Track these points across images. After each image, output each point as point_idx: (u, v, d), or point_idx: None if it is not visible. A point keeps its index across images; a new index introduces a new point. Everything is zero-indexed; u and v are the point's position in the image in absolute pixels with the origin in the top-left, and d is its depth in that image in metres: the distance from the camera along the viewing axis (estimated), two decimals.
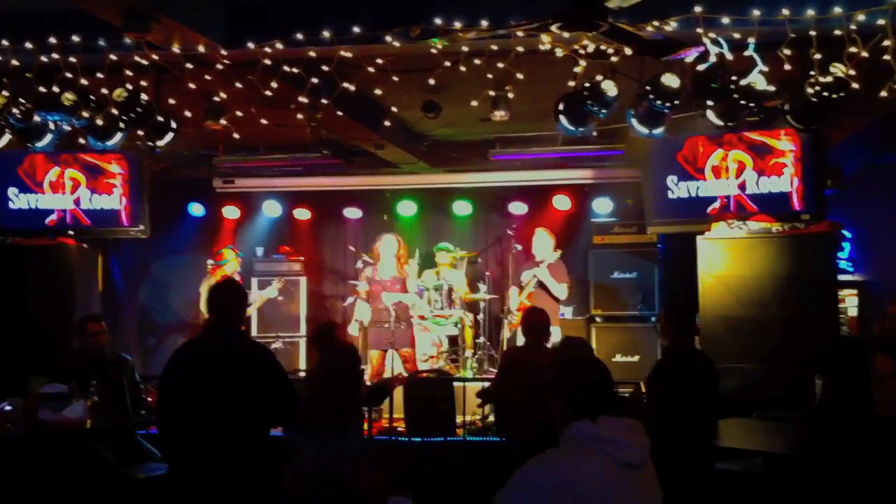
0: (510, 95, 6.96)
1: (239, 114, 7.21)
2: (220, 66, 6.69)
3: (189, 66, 6.68)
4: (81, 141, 7.80)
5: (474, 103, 6.90)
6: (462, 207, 12.05)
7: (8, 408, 5.89)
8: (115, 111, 6.99)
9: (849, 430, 3.94)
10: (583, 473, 2.88)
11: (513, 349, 7.78)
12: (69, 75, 6.75)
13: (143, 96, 6.99)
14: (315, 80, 6.59)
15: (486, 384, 7.34)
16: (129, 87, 6.90)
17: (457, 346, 10.17)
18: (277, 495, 4.47)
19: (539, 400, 3.46)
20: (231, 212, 12.19)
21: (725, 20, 5.93)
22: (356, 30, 6.24)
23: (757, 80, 6.26)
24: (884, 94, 5.81)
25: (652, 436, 3.09)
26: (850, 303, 10.17)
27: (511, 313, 9.69)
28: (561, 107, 6.84)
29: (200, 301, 10.16)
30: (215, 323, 4.65)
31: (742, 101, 6.48)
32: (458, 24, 6.12)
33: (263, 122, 7.18)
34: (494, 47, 6.29)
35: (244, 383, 4.38)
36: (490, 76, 6.56)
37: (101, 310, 8.49)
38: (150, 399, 6.79)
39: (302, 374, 9.05)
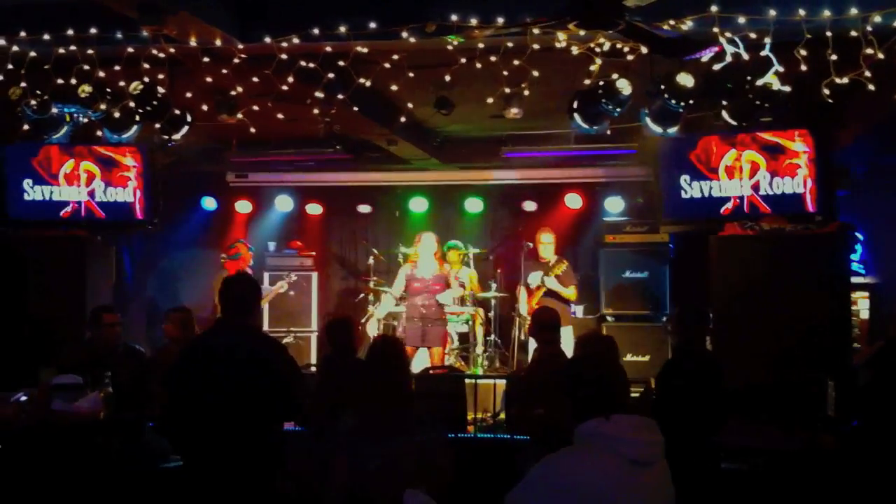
0: (526, 93, 6.96)
1: (255, 108, 7.23)
2: (236, 61, 6.70)
3: (205, 59, 6.70)
4: (99, 133, 7.82)
5: (490, 100, 6.90)
6: (473, 205, 12.06)
7: (23, 398, 5.93)
8: (131, 104, 7.01)
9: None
10: (593, 471, 2.89)
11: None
12: (86, 67, 6.77)
13: (160, 89, 7.02)
14: (331, 76, 6.61)
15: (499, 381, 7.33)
16: (146, 79, 6.92)
17: (468, 343, 10.20)
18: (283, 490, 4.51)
19: (546, 399, 3.48)
20: (243, 206, 12.23)
21: (741, 20, 5.92)
22: (372, 25, 6.25)
23: (772, 80, 6.25)
24: None
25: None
26: (861, 305, 10.13)
27: (522, 316, 9.73)
28: (575, 105, 6.85)
29: (214, 295, 10.20)
30: (225, 318, 4.65)
31: (756, 102, 6.47)
32: (473, 21, 6.13)
33: (280, 116, 7.19)
34: (510, 44, 6.29)
35: (247, 379, 4.39)
36: (505, 73, 6.55)
37: (112, 302, 8.51)
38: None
39: (314, 368, 9.07)
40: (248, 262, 10.42)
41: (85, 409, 5.82)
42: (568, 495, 2.85)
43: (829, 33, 5.78)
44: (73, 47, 6.60)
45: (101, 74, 6.85)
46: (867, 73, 5.82)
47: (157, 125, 7.29)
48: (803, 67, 5.82)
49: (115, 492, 5.84)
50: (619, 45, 6.29)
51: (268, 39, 6.43)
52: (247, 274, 9.19)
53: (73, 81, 6.85)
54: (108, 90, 7.04)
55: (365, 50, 6.46)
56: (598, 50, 6.28)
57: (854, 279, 9.53)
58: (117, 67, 6.78)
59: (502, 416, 7.90)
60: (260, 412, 4.39)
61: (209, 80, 6.95)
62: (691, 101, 6.61)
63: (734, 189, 7.64)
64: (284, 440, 4.64)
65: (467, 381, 7.98)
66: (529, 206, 11.74)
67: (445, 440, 4.45)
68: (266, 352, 4.56)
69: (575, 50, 6.32)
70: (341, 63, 6.56)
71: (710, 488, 5.20)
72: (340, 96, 6.90)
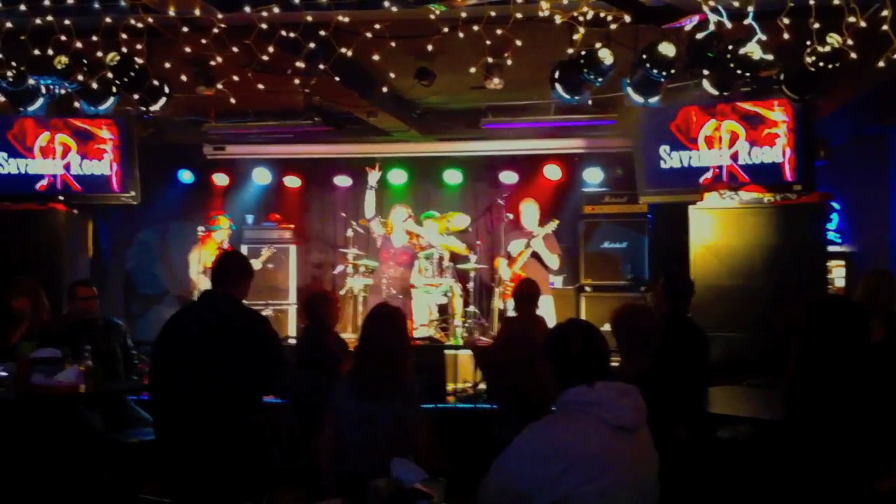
0: (509, 62, 6.92)
1: (235, 78, 7.14)
2: (215, 31, 6.61)
3: (185, 29, 6.61)
4: (76, 105, 7.72)
5: (472, 70, 6.86)
6: (452, 176, 12.02)
7: (3, 373, 5.89)
8: (108, 75, 6.92)
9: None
10: (579, 437, 2.91)
11: (509, 320, 7.81)
12: (63, 38, 6.65)
13: (138, 60, 6.92)
14: (312, 46, 6.54)
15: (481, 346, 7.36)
16: (124, 50, 6.82)
17: (446, 314, 10.21)
18: (264, 463, 4.52)
19: (532, 370, 3.49)
20: (220, 178, 12.10)
21: None
22: None
23: (753, 49, 6.25)
24: (881, 63, 5.80)
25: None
26: (837, 273, 10.27)
27: (503, 283, 9.74)
28: (556, 74, 6.83)
29: (189, 268, 10.16)
30: (213, 292, 4.66)
31: (738, 71, 6.47)
32: None
33: (260, 86, 7.11)
34: (493, 13, 6.24)
35: (236, 349, 4.40)
36: (488, 42, 6.51)
37: (89, 276, 8.46)
38: (141, 365, 6.80)
39: (292, 341, 9.05)
40: (226, 237, 10.36)
41: (65, 383, 5.78)
42: (555, 461, 2.87)
43: (812, 1, 5.77)
44: (49, 17, 6.47)
45: (79, 45, 6.72)
46: (850, 42, 5.82)
47: (135, 96, 7.20)
48: (786, 36, 5.81)
49: (97, 465, 5.83)
50: (602, 14, 6.26)
51: (248, 9, 6.32)
52: (238, 252, 9.17)
53: (50, 52, 6.72)
54: (86, 61, 6.93)
55: (346, 19, 6.39)
56: (580, 19, 6.25)
57: (830, 248, 9.65)
58: (95, 38, 6.66)
59: (482, 386, 7.94)
60: (247, 381, 4.40)
61: (188, 50, 6.86)
62: (673, 71, 6.60)
63: (713, 159, 7.69)
64: (266, 410, 4.66)
65: (447, 352, 8.01)
66: (509, 177, 11.70)
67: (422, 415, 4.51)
68: (253, 323, 4.58)
69: (558, 19, 6.28)
70: (322, 33, 6.48)
71: (703, 457, 5.24)
72: (321, 66, 6.83)
